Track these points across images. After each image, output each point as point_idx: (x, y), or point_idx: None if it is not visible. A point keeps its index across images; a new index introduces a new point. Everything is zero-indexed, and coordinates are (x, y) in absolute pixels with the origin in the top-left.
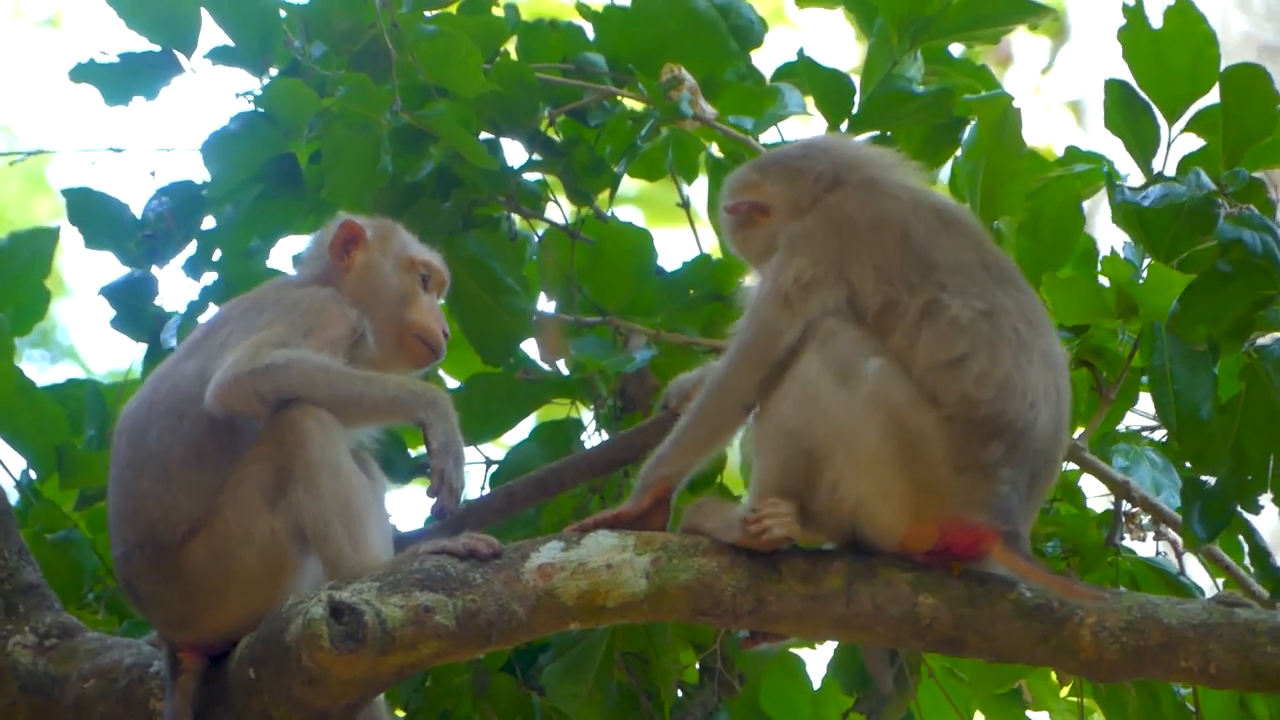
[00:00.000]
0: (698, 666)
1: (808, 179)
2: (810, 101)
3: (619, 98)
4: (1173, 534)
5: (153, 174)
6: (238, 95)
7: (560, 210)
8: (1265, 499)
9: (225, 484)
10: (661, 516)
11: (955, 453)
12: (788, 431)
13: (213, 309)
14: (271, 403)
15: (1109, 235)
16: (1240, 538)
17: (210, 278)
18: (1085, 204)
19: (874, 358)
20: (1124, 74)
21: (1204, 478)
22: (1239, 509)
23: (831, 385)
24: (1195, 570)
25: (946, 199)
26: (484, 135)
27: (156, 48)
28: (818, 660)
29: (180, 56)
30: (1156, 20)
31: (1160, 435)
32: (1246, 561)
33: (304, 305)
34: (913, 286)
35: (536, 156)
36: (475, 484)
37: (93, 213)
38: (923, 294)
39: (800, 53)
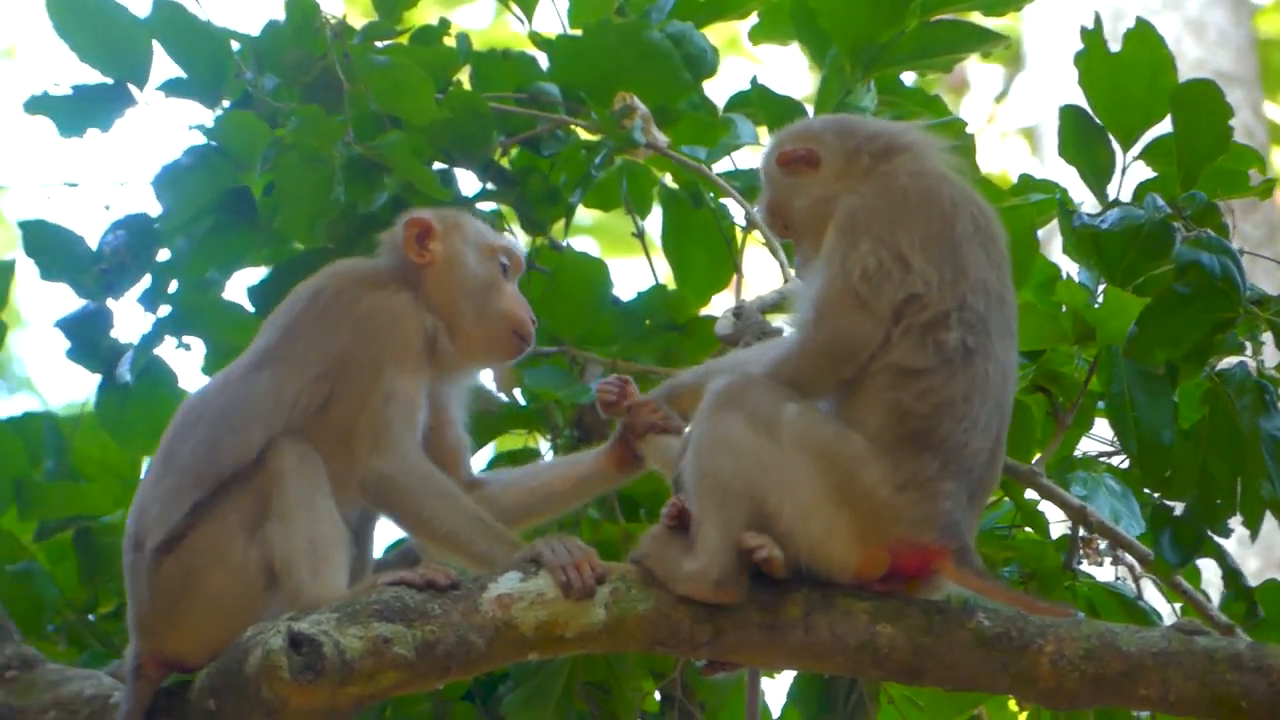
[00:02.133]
0: (658, 695)
1: (862, 140)
2: (764, 131)
3: (572, 127)
4: (1129, 559)
5: (107, 207)
6: (190, 128)
7: (515, 240)
8: (1234, 522)
9: (211, 503)
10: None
11: (891, 470)
12: (724, 487)
13: (169, 342)
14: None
15: (1062, 265)
16: (1199, 562)
17: (165, 310)
18: (1040, 233)
19: (789, 404)
20: (1079, 101)
21: (1169, 503)
22: (1209, 533)
23: (756, 439)
24: (1152, 595)
25: (987, 205)
26: (437, 165)
27: (109, 80)
28: (777, 689)
29: (133, 88)
30: (1114, 45)
31: (1118, 460)
32: (1204, 586)
33: (378, 321)
34: (944, 282)
35: (490, 186)
36: None
37: (48, 245)
38: (946, 300)
39: (754, 81)
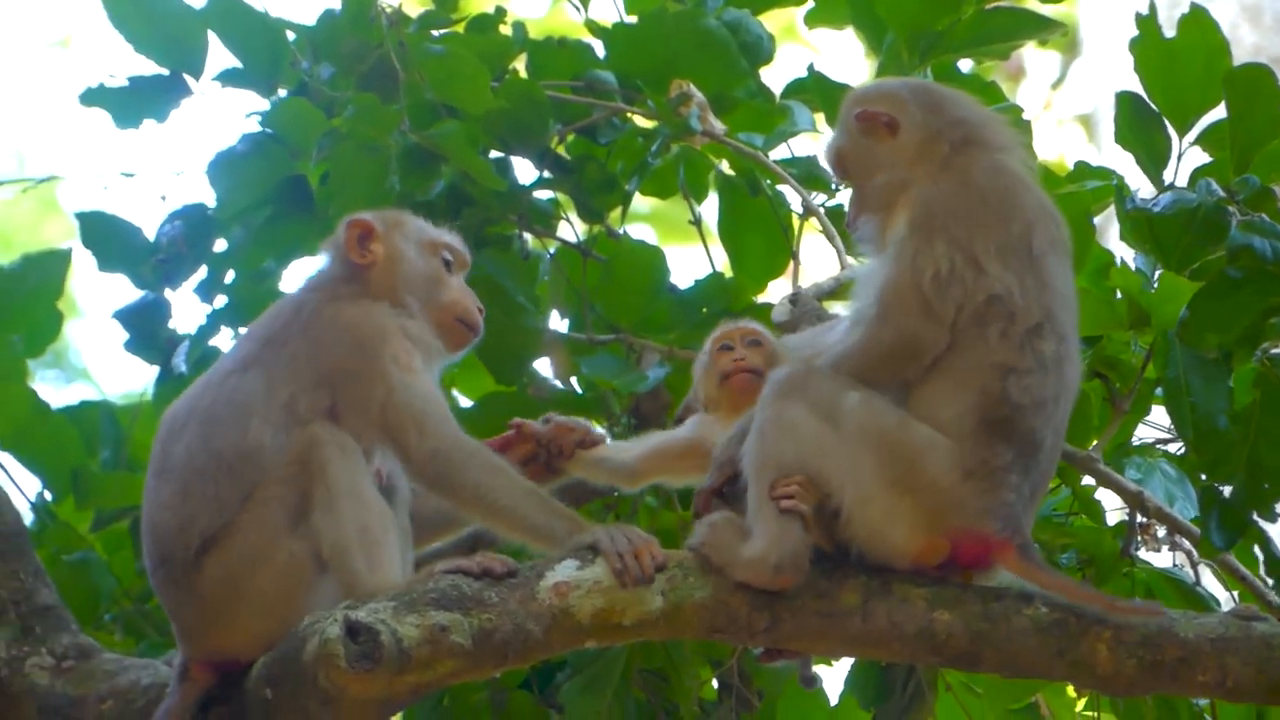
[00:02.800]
0: (715, 683)
1: (945, 124)
2: (820, 118)
3: (629, 115)
4: (1187, 545)
5: (164, 198)
6: (246, 116)
7: (572, 228)
8: None
9: (244, 501)
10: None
11: (960, 457)
12: (785, 473)
13: (224, 332)
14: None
15: (1118, 252)
16: (1256, 548)
17: (222, 300)
18: (1096, 219)
19: (851, 391)
20: (1135, 88)
21: (1220, 486)
22: (1256, 518)
23: (818, 425)
24: (1210, 582)
25: (1057, 211)
26: (494, 154)
27: (165, 71)
28: (835, 676)
29: (189, 79)
30: (1169, 31)
31: (1175, 447)
32: (1262, 572)
33: (364, 332)
34: (1026, 290)
35: (547, 174)
36: None
37: (106, 236)
38: (1034, 312)
39: (810, 68)
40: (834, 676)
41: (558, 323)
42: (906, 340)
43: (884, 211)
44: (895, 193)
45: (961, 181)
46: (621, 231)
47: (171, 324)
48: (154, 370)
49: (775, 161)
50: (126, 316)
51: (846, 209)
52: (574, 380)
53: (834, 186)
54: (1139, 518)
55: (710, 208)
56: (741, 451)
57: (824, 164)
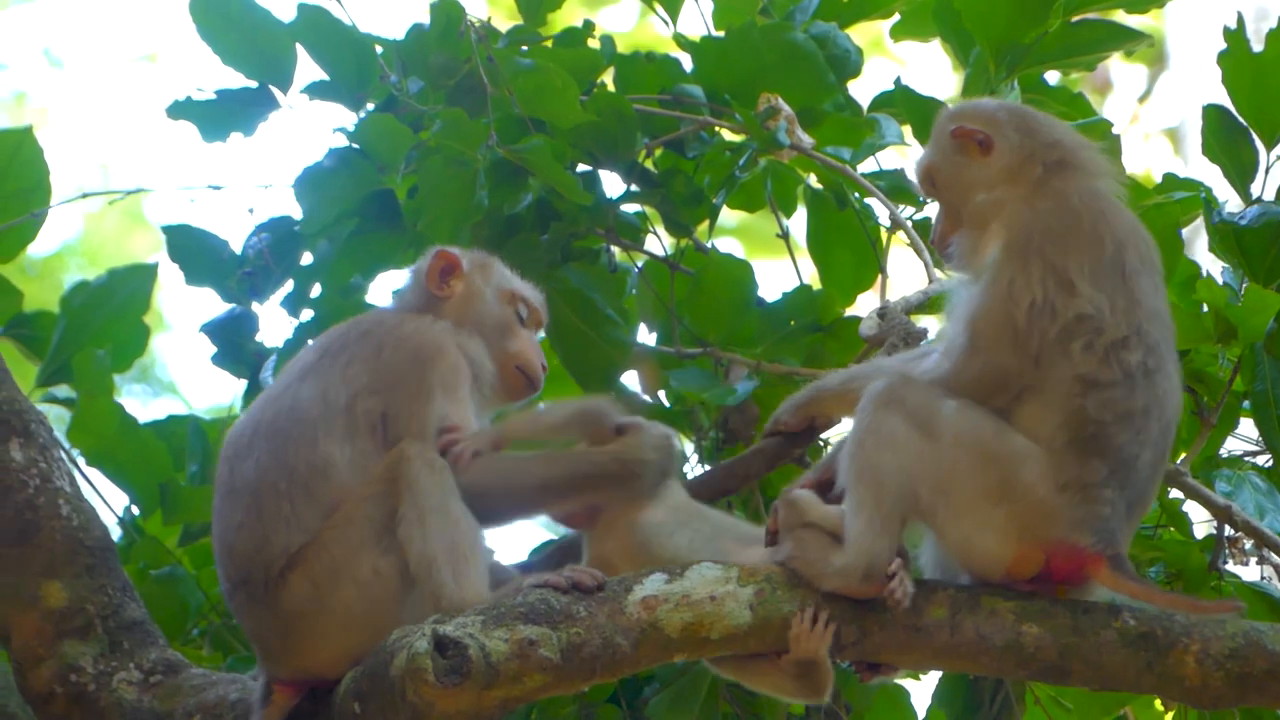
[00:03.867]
0: None
1: (1039, 146)
2: (908, 131)
3: (716, 128)
4: (1276, 558)
5: (251, 210)
6: (334, 130)
7: (660, 242)
8: None
9: (326, 518)
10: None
11: (1054, 470)
12: (881, 483)
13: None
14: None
15: (1206, 264)
16: None
17: (308, 314)
18: (1184, 232)
19: (947, 401)
20: (1223, 101)
21: None
22: None
23: (915, 436)
24: None
25: (1147, 233)
26: (582, 167)
27: (253, 84)
28: (923, 690)
29: (276, 92)
30: (1257, 44)
31: (1263, 460)
32: None
33: (424, 345)
34: (1116, 309)
35: (635, 188)
36: None
37: (192, 249)
38: (1122, 326)
39: (897, 81)
40: (922, 690)
41: (645, 336)
42: (995, 373)
43: (976, 231)
44: (988, 212)
45: (1057, 204)
46: (709, 245)
47: (258, 337)
48: (241, 384)
49: (863, 175)
50: (213, 330)
51: (933, 225)
52: (662, 394)
53: (921, 200)
54: (1227, 531)
55: (797, 221)
56: (839, 458)
57: (912, 178)
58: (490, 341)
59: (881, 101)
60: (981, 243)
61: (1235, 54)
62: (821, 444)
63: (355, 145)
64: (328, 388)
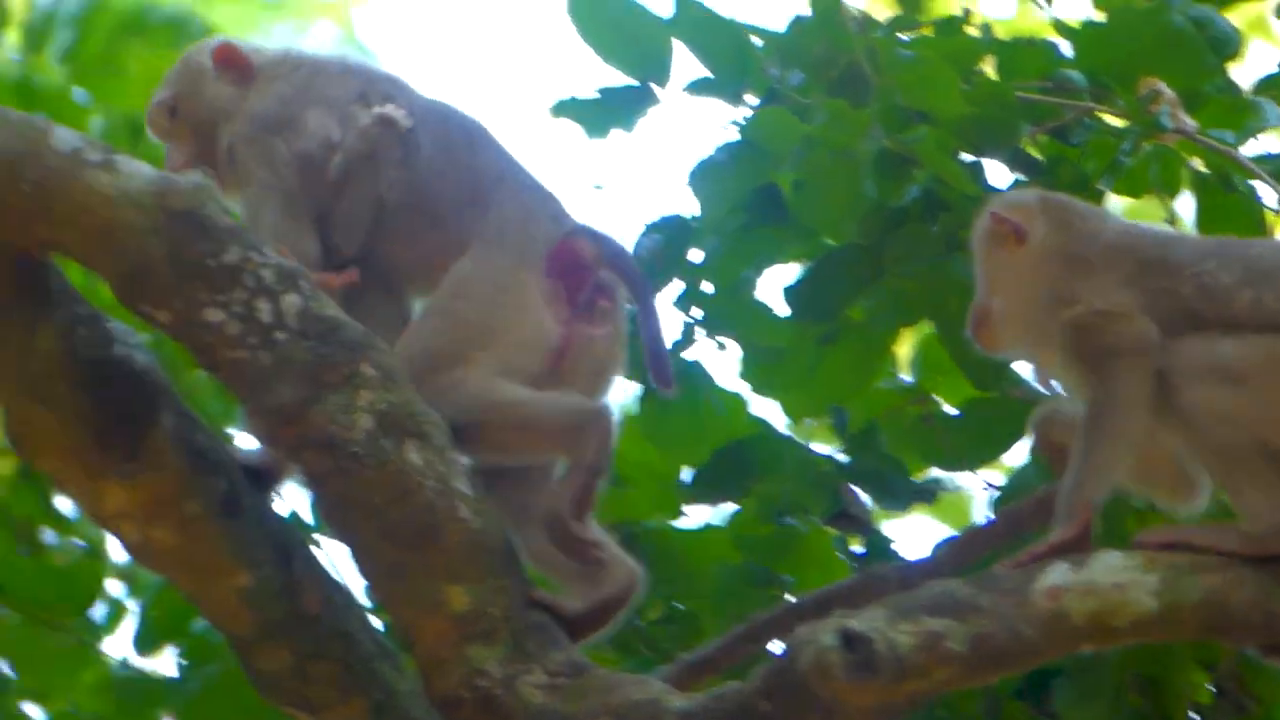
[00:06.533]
0: (1210, 687)
1: (1080, 236)
2: None
3: (1097, 113)
4: None
5: (598, 187)
6: (728, 124)
7: None
8: None
9: None
10: (1086, 540)
11: None
12: (1229, 451)
13: (701, 341)
14: None
15: None
16: None
17: (698, 312)
18: None
19: (1223, 341)
20: None
21: None
22: None
23: (1229, 393)
24: None
25: None
26: (965, 157)
27: (633, 81)
28: None
29: (655, 88)
30: None
31: None
32: None
33: None
34: None
35: (1020, 177)
36: (979, 509)
37: None
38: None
39: None
40: None
41: None
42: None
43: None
44: (1018, 288)
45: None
46: None
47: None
48: (634, 386)
49: (1249, 158)
50: None
51: None
52: (1054, 384)
53: None
54: None
55: (1183, 205)
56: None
57: None
58: None
59: (1265, 85)
60: None
61: None
62: None
63: (743, 139)
64: None
